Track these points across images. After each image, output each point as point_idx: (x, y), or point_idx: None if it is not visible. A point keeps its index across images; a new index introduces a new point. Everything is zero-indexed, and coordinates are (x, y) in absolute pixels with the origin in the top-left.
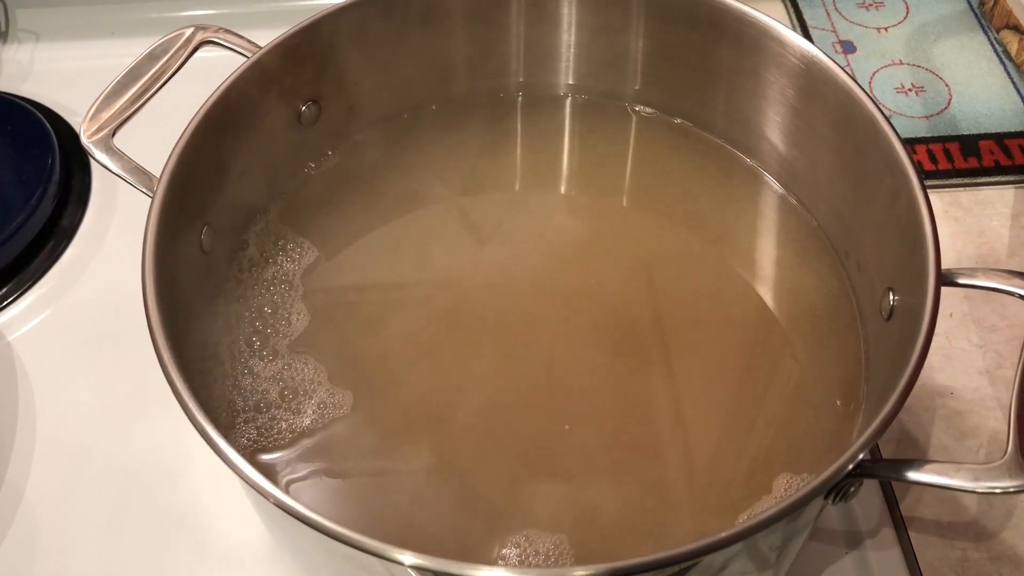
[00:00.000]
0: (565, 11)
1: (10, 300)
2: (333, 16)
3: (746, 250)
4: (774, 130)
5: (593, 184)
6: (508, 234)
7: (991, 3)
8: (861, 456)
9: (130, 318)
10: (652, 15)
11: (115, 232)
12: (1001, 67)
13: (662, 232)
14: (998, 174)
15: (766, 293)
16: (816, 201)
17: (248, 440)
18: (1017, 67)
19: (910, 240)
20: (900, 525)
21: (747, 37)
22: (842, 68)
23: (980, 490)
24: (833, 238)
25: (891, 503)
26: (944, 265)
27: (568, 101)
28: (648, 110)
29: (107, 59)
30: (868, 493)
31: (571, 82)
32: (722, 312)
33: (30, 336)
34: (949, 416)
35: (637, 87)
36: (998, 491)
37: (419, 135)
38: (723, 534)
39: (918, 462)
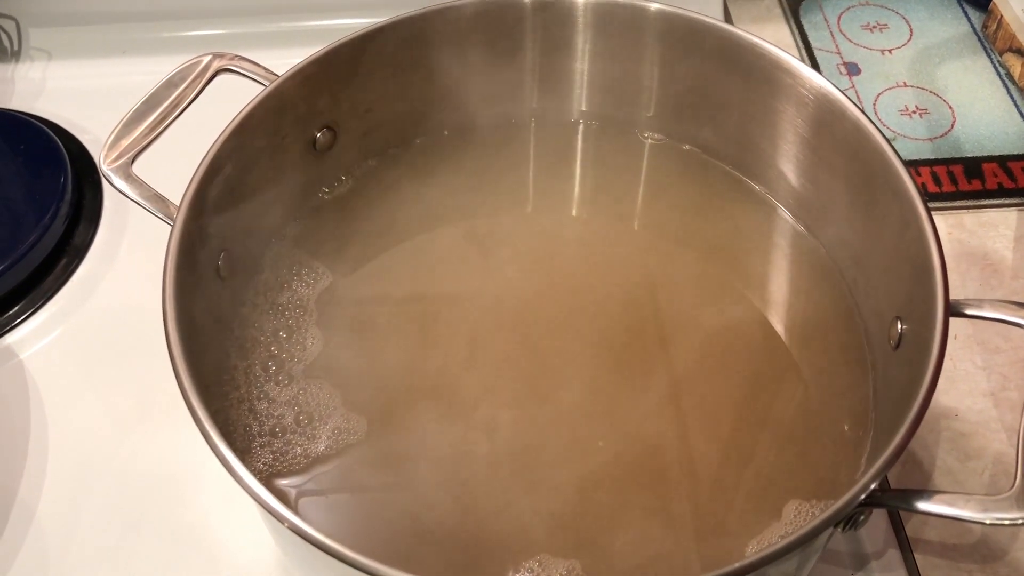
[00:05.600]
0: (579, 40)
1: (23, 318)
2: (349, 45)
3: (755, 276)
4: (784, 159)
5: (605, 208)
6: (520, 257)
7: (994, 26)
8: (872, 487)
9: (142, 335)
10: (664, 45)
11: (127, 250)
12: (1004, 90)
13: (672, 257)
14: (1001, 196)
15: (775, 319)
16: (825, 229)
17: (264, 464)
18: (1020, 90)
19: (918, 271)
20: (906, 547)
21: (758, 68)
22: (847, 89)
23: (989, 521)
24: (842, 266)
25: (897, 525)
26: (949, 289)
27: (580, 127)
28: (659, 137)
29: (119, 78)
30: (874, 515)
31: (584, 109)
32: (731, 337)
33: (42, 354)
34: (954, 438)
35: (649, 114)
36: (1007, 522)
37: (432, 160)
38: (736, 565)
39: (927, 492)
